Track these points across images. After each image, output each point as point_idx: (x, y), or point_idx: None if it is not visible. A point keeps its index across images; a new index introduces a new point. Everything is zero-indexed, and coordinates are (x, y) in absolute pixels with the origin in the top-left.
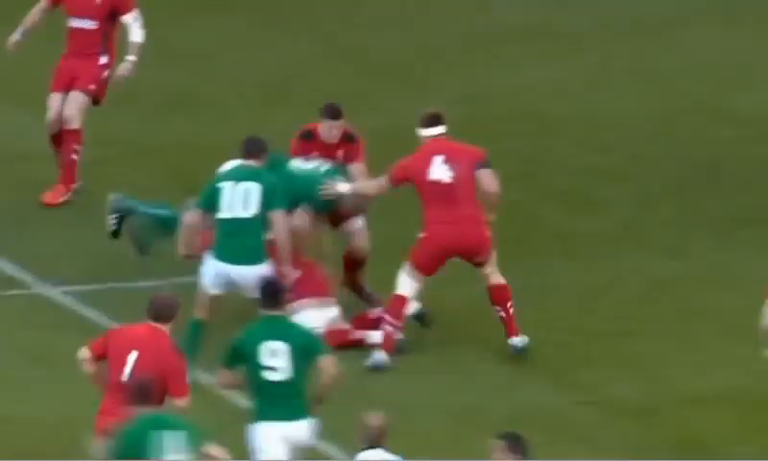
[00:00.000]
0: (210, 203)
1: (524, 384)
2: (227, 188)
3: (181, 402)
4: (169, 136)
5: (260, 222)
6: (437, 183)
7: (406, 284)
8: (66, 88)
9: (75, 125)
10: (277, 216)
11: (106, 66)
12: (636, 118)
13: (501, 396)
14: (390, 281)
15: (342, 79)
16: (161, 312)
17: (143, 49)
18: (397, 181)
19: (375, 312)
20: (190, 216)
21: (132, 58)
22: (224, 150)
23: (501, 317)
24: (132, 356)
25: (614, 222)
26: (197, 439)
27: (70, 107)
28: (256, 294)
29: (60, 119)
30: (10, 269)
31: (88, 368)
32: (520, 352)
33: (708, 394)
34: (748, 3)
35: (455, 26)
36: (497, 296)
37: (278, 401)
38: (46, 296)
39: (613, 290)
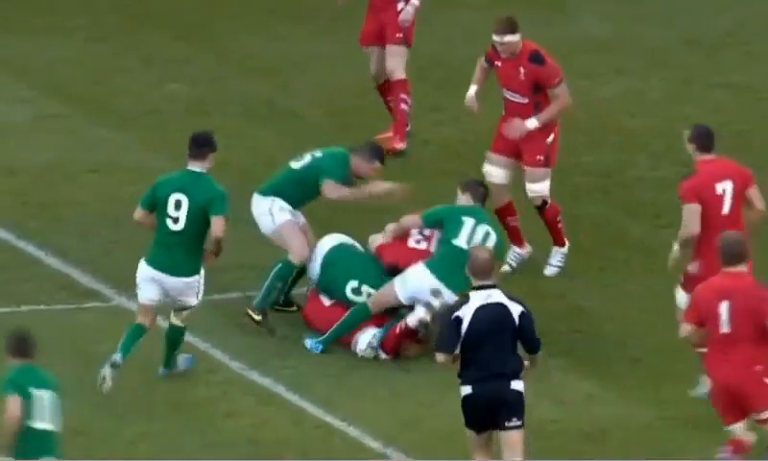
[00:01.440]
0: None
1: (606, 398)
2: None
3: None
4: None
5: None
6: None
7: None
8: (376, 42)
9: (397, 76)
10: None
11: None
12: (715, 130)
13: (584, 409)
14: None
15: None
16: (734, 255)
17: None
18: None
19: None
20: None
21: (415, 2)
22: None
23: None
24: (724, 306)
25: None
26: None
27: (389, 61)
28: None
29: (377, 72)
30: (87, 281)
31: (692, 338)
32: None
33: None
34: None
35: (531, 34)
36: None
37: (171, 252)
38: (124, 308)
39: None
